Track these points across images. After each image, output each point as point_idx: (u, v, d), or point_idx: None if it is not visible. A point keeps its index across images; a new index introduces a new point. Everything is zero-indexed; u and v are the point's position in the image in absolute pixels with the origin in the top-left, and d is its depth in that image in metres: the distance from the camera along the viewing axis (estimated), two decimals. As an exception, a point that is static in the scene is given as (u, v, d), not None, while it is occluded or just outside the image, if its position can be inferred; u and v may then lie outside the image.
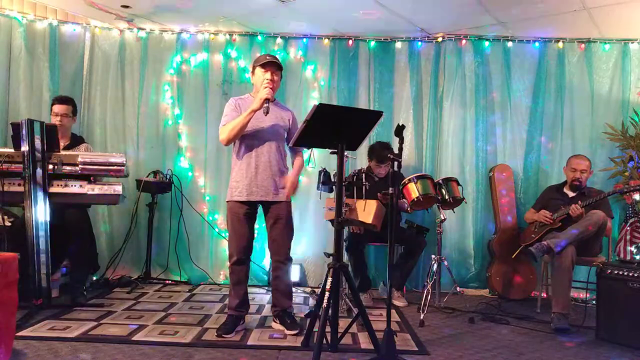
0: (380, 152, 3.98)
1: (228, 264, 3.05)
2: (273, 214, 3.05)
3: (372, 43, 4.68)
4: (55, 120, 3.72)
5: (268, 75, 2.98)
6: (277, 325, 3.11)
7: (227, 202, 3.07)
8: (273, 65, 3.01)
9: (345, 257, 3.84)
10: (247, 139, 3.00)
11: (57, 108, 3.77)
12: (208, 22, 4.56)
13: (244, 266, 3.05)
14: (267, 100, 2.85)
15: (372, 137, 4.49)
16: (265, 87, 2.89)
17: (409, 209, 3.82)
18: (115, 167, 3.37)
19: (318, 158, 3.64)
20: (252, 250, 3.11)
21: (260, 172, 2.99)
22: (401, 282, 4.03)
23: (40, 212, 3.21)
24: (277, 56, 4.34)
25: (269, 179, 3.00)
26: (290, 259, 3.12)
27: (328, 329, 2.50)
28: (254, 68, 3.06)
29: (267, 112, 2.87)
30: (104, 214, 4.58)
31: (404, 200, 3.81)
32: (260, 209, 3.12)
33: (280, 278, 3.09)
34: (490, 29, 4.44)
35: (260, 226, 3.13)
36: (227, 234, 3.07)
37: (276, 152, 3.04)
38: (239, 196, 2.99)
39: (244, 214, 3.00)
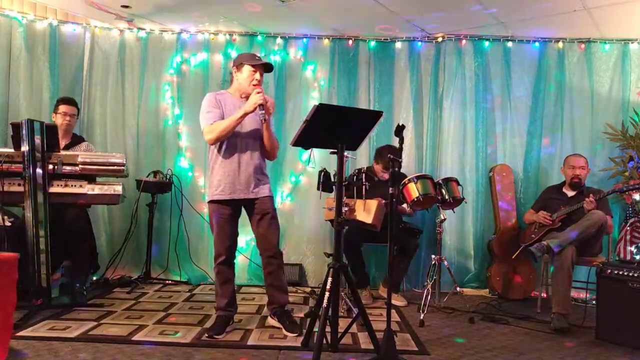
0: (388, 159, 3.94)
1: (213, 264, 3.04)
2: (259, 209, 3.03)
3: (372, 43, 4.67)
4: (64, 120, 3.79)
5: (258, 75, 2.97)
6: (273, 322, 3.10)
7: (210, 202, 3.03)
8: (265, 68, 3.01)
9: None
10: (229, 137, 2.96)
11: (66, 108, 3.83)
12: (208, 22, 4.56)
13: (231, 266, 3.06)
14: (261, 106, 2.82)
15: (372, 137, 4.49)
16: (259, 92, 2.83)
17: (409, 209, 3.82)
18: (115, 167, 3.37)
19: (318, 158, 3.64)
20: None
21: (243, 170, 2.98)
22: (396, 283, 4.01)
23: (40, 212, 3.21)
24: (277, 56, 4.34)
25: (250, 177, 3.00)
26: (281, 253, 3.09)
27: (328, 329, 2.50)
28: (241, 64, 3.00)
29: (264, 120, 2.85)
30: (104, 214, 4.57)
31: (404, 206, 3.80)
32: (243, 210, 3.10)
33: (274, 274, 3.06)
34: (490, 29, 4.44)
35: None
36: (214, 234, 3.04)
37: (257, 149, 3.04)
38: (221, 195, 2.96)
39: (229, 214, 2.99)
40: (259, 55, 3.08)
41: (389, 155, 2.65)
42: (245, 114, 2.87)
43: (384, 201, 3.69)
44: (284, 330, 3.00)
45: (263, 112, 2.81)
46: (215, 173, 3.01)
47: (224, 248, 3.00)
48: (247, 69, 2.98)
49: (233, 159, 2.98)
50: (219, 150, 3.00)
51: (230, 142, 2.98)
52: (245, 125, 2.97)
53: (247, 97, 3.00)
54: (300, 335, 2.92)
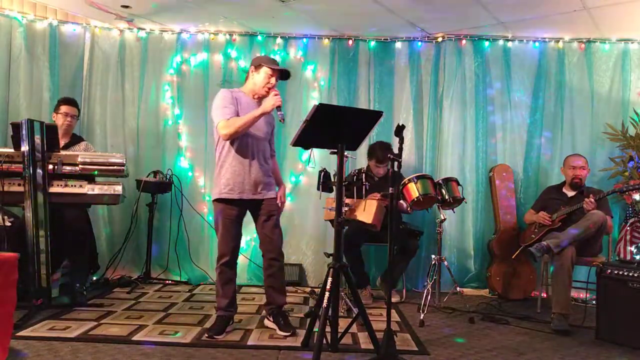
0: (380, 152, 3.98)
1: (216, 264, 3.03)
2: (265, 210, 3.04)
3: (372, 43, 4.67)
4: (65, 120, 3.83)
5: (273, 80, 3.00)
6: (270, 324, 3.10)
7: (216, 200, 3.01)
8: (281, 75, 3.04)
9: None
10: (242, 137, 2.95)
11: (67, 109, 3.87)
12: (208, 22, 4.56)
13: (234, 266, 3.06)
14: (279, 107, 2.85)
15: (372, 137, 4.49)
16: (276, 94, 2.87)
17: (408, 209, 3.82)
18: (115, 167, 3.37)
19: (318, 158, 3.64)
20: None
21: (253, 170, 2.98)
22: (393, 280, 4.00)
23: (40, 212, 3.21)
24: (277, 56, 4.33)
25: (259, 178, 3.00)
26: (283, 255, 3.11)
27: (328, 329, 2.50)
28: (260, 65, 3.01)
29: (283, 120, 2.89)
30: (104, 214, 4.57)
31: (402, 202, 3.80)
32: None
33: (275, 275, 3.07)
34: (490, 29, 4.44)
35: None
36: (219, 234, 3.03)
37: (266, 150, 3.08)
38: (229, 194, 2.94)
39: (236, 215, 2.99)
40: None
41: (389, 156, 2.65)
42: (263, 114, 2.88)
43: (378, 195, 3.69)
44: (277, 331, 3.00)
45: (282, 112, 2.88)
46: (224, 172, 2.98)
47: (228, 249, 3.00)
48: (264, 71, 2.99)
49: (244, 159, 2.97)
50: (229, 149, 2.98)
51: (243, 142, 2.97)
52: (257, 126, 2.98)
53: (259, 99, 3.04)
54: (292, 335, 2.93)
